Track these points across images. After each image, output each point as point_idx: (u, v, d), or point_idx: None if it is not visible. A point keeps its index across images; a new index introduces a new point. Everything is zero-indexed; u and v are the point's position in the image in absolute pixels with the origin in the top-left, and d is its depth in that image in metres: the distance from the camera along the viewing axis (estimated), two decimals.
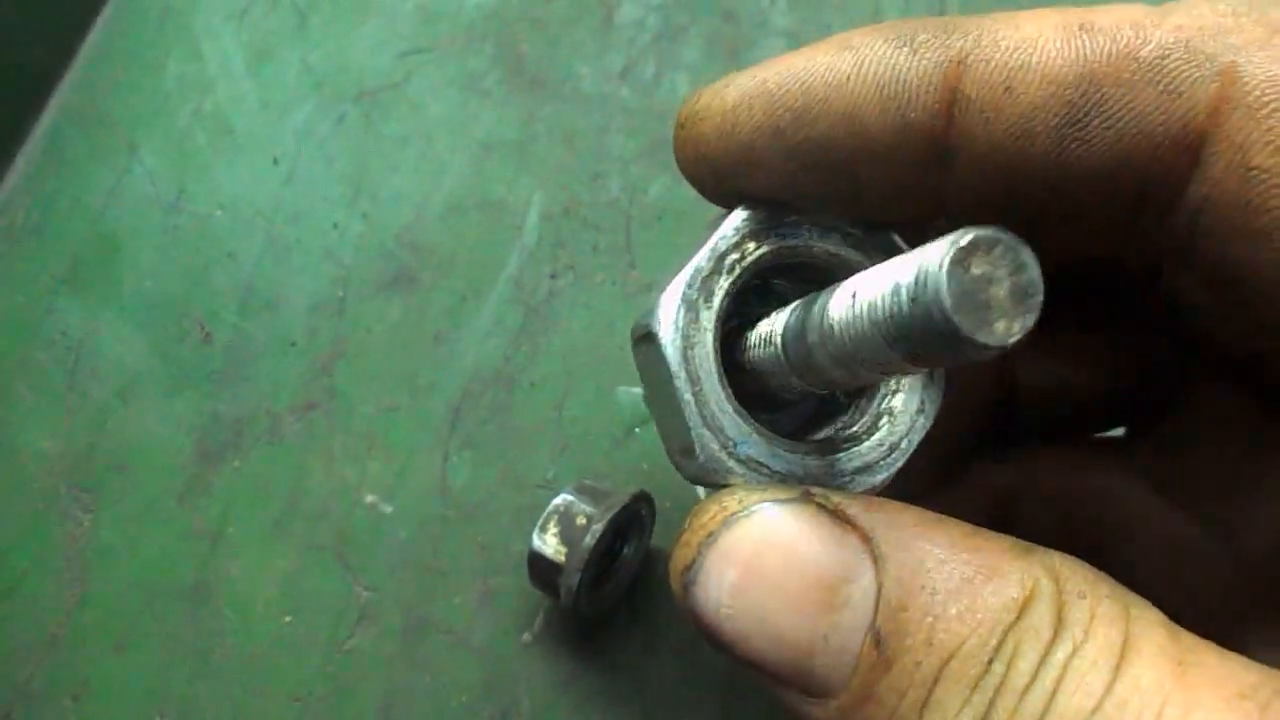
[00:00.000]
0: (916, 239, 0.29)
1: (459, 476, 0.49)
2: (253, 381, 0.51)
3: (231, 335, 0.52)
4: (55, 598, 0.47)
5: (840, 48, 0.25)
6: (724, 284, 0.26)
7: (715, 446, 0.25)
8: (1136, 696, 0.19)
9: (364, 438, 0.49)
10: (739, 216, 0.27)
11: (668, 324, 0.25)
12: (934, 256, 0.19)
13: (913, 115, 0.24)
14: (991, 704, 0.20)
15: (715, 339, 0.26)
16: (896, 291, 0.20)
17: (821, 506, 0.23)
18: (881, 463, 0.26)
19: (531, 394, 0.50)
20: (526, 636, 0.46)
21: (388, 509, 0.48)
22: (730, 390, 0.26)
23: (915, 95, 0.24)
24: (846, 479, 0.26)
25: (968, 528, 0.22)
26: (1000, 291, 0.19)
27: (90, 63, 0.59)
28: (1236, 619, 0.29)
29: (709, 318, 0.26)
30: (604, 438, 0.49)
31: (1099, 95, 0.23)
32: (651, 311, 0.26)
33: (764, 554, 0.23)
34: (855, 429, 0.27)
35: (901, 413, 0.27)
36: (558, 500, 0.43)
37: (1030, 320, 0.20)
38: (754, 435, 0.26)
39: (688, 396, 0.25)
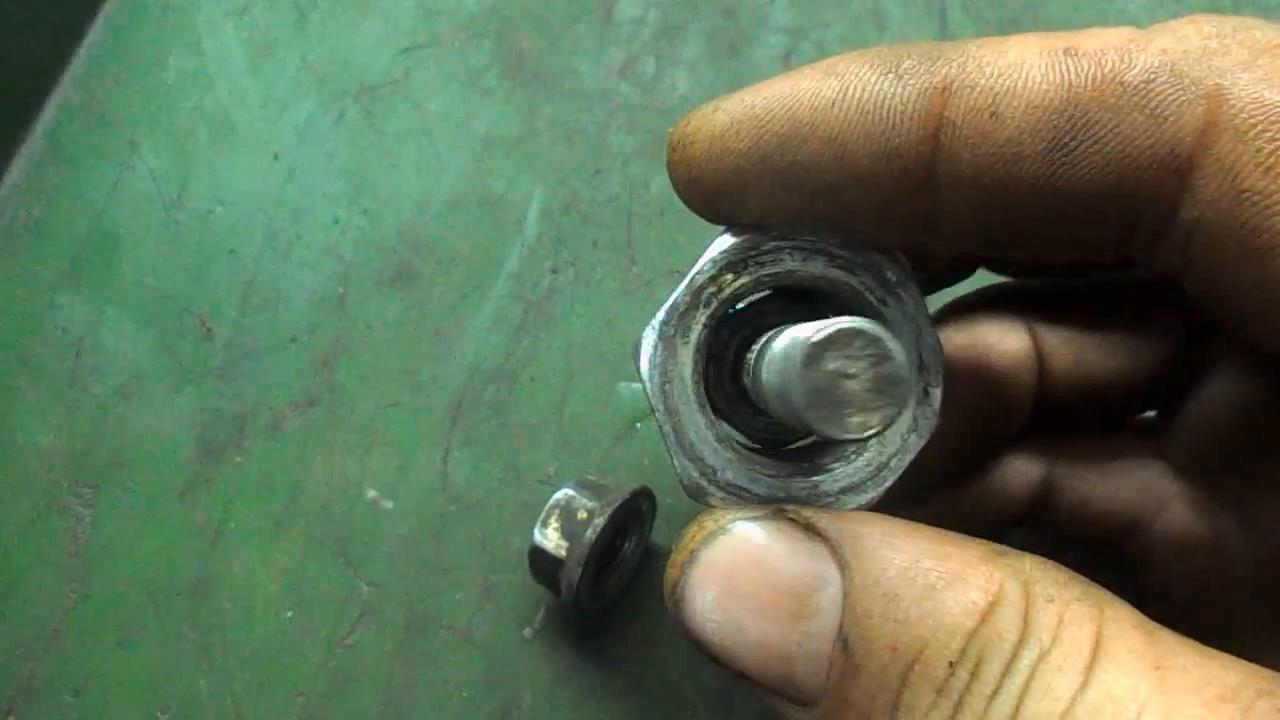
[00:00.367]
0: (917, 262, 0.29)
1: (460, 472, 0.49)
2: (253, 378, 0.51)
3: (232, 331, 0.52)
4: (56, 594, 0.48)
5: (826, 74, 0.25)
6: (701, 317, 0.26)
7: (696, 474, 0.26)
8: (1110, 703, 0.19)
9: (365, 433, 0.49)
10: (717, 247, 0.27)
11: (645, 361, 0.26)
12: (798, 345, 0.19)
13: (897, 141, 0.24)
14: (957, 708, 0.20)
15: (694, 371, 0.26)
16: (783, 362, 0.20)
17: (792, 520, 0.24)
18: (869, 482, 0.27)
19: (532, 389, 0.50)
20: (527, 631, 0.46)
21: (389, 505, 0.48)
22: (713, 418, 0.26)
23: (900, 121, 0.24)
24: (832, 499, 0.26)
25: (939, 535, 0.22)
26: (856, 386, 0.19)
27: (91, 60, 0.59)
28: (1252, 611, 0.29)
29: (687, 352, 0.26)
30: (605, 433, 0.49)
31: (1085, 120, 0.23)
32: (636, 345, 0.27)
33: (739, 567, 0.24)
34: (847, 449, 0.27)
35: (892, 432, 0.27)
36: (559, 495, 0.43)
37: (892, 413, 0.20)
38: (734, 462, 0.26)
39: (667, 429, 0.26)
